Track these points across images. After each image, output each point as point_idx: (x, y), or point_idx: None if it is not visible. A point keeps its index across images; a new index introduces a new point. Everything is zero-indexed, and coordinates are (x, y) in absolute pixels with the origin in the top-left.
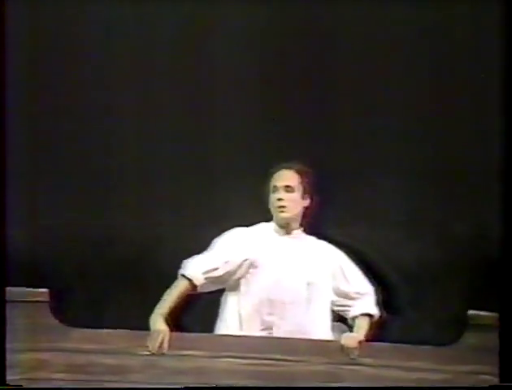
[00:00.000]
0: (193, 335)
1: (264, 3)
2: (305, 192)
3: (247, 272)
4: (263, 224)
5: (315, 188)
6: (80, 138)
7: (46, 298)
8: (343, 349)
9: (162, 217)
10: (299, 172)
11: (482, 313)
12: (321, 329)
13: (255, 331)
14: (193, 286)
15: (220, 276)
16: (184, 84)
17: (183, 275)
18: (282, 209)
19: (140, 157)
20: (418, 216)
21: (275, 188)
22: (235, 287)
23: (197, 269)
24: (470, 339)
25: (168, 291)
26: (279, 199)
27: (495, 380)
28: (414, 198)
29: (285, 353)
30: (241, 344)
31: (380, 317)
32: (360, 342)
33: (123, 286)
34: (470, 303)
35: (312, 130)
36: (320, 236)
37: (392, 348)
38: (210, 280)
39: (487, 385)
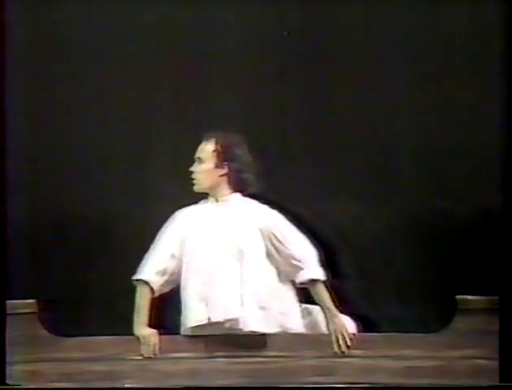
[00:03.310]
0: (184, 337)
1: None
2: (219, 161)
3: (186, 250)
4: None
5: (236, 155)
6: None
7: (35, 309)
8: (337, 341)
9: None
10: (215, 142)
11: (470, 297)
12: (264, 295)
13: (194, 304)
14: (151, 288)
15: (168, 266)
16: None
17: (138, 280)
18: (193, 181)
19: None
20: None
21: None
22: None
23: (147, 269)
24: (459, 324)
25: (136, 300)
26: (191, 171)
27: (490, 364)
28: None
29: (277, 349)
30: (233, 343)
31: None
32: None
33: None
34: (458, 287)
35: (276, 105)
36: (261, 201)
37: (382, 338)
38: (161, 275)
39: (481, 369)
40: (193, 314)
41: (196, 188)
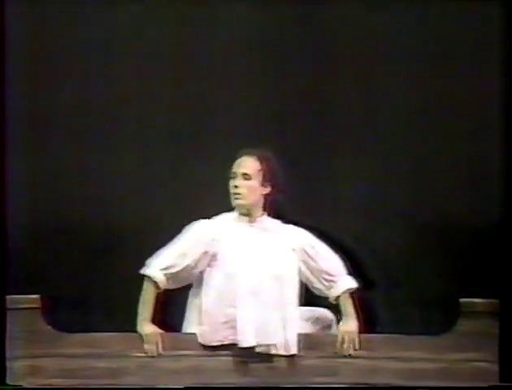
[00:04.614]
0: (187, 334)
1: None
2: (265, 180)
3: (208, 265)
4: (226, 214)
5: (277, 175)
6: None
7: (38, 304)
8: (342, 343)
9: (162, 222)
10: (260, 159)
11: (474, 300)
12: (291, 317)
13: (217, 324)
14: (157, 285)
15: (179, 272)
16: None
17: (144, 275)
18: (237, 196)
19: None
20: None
21: (234, 175)
22: (198, 281)
23: (156, 267)
24: (463, 326)
25: (141, 295)
26: (236, 186)
27: (492, 367)
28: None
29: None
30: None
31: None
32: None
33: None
34: (461, 290)
35: (283, 117)
36: (289, 221)
37: (386, 340)
38: (169, 277)
39: (484, 372)
40: (218, 333)
41: (237, 203)
